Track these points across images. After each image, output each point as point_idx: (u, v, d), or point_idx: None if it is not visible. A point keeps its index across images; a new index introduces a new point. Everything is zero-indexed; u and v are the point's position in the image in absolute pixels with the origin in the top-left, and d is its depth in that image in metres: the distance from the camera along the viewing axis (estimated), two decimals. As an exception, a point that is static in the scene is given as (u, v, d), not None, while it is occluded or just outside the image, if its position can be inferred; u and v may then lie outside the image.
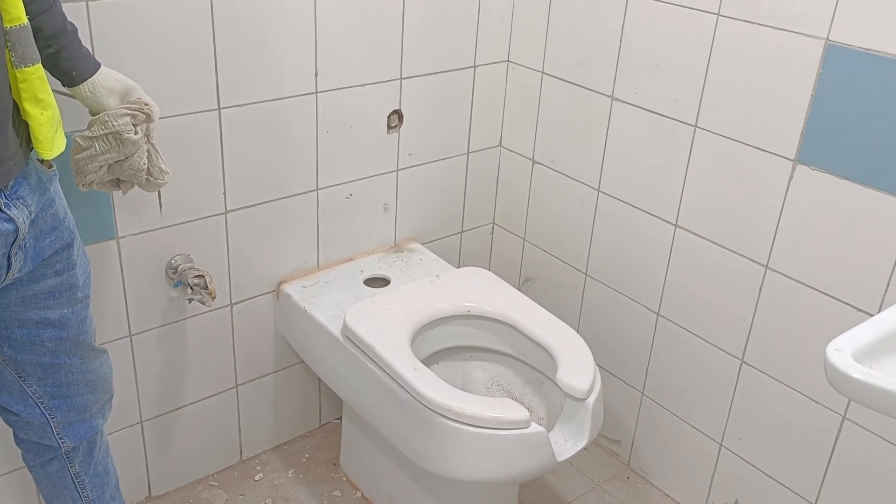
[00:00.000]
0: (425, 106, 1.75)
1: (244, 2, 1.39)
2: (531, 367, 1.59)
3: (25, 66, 0.94)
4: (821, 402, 1.43)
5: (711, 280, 1.57)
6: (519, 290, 2.01)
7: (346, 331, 1.50)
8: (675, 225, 1.60)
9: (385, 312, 1.53)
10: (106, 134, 1.11)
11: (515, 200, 1.96)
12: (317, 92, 1.56)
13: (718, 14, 1.42)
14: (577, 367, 1.43)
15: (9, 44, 0.92)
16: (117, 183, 1.20)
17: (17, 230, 0.99)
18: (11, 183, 0.99)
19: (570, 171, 1.80)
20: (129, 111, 1.12)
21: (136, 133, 1.13)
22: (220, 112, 1.44)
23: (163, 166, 1.22)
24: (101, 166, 1.13)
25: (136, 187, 1.23)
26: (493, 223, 2.04)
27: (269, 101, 1.50)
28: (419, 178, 1.82)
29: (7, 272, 1.02)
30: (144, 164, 1.18)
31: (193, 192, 1.47)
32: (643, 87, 1.59)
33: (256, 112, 1.49)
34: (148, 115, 1.14)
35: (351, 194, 1.71)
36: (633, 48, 1.58)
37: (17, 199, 1.00)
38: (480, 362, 1.67)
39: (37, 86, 0.96)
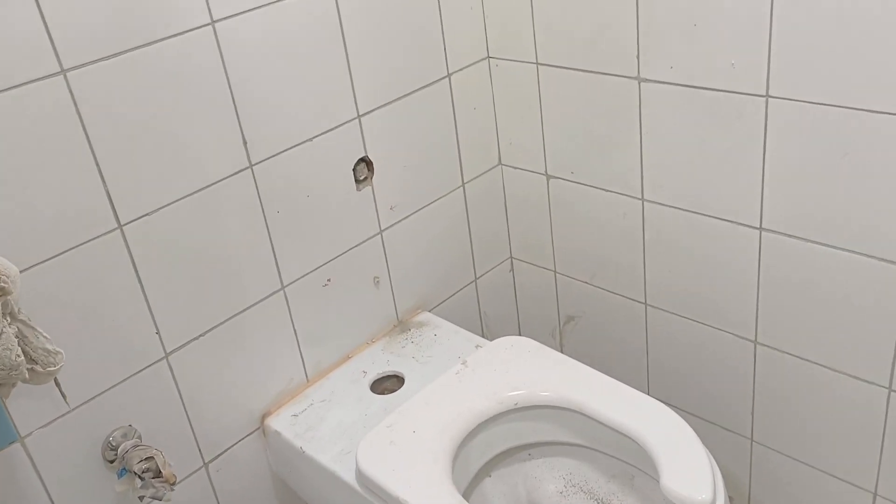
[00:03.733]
0: (398, 142, 1.33)
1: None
2: (613, 457, 1.20)
3: None
4: None
5: (828, 293, 1.17)
6: (560, 333, 1.62)
7: (362, 478, 1.10)
8: (760, 228, 1.20)
9: (408, 438, 1.13)
10: None
11: (533, 226, 1.55)
12: (251, 165, 1.14)
13: (776, -62, 1.00)
14: (685, 465, 1.03)
15: None
16: None
17: None
18: None
19: (600, 181, 1.39)
20: None
21: None
22: (121, 230, 1.03)
23: (48, 346, 0.86)
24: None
25: (19, 385, 0.85)
26: (511, 258, 1.63)
27: (189, 195, 1.09)
28: (410, 232, 1.41)
29: None
30: (17, 356, 0.80)
31: (111, 346, 1.06)
32: (680, 58, 1.17)
33: (173, 215, 1.08)
34: (2, 289, 0.77)
35: (329, 279, 1.30)
36: (658, 6, 1.16)
37: None
38: (544, 459, 1.27)
39: None
